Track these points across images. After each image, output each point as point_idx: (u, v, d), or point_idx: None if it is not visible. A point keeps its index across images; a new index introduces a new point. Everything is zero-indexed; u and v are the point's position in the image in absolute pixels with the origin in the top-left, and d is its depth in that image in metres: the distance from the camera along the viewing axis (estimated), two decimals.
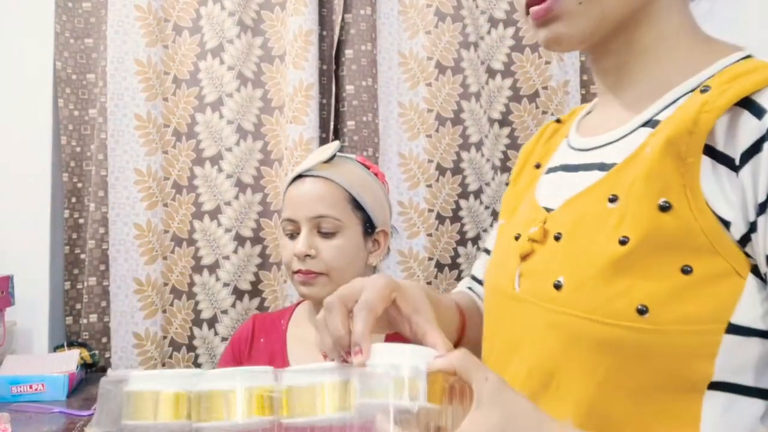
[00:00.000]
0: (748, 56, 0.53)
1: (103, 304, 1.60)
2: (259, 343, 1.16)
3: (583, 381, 0.50)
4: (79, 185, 1.67)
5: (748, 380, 0.47)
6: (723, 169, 0.47)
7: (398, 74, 1.63)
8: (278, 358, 1.12)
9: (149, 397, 0.50)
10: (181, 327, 1.60)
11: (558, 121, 0.73)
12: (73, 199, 1.67)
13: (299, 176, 1.10)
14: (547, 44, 0.56)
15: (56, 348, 1.56)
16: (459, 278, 1.62)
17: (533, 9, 0.54)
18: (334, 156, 1.10)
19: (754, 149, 0.45)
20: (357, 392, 0.46)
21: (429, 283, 1.61)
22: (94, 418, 0.51)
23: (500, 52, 1.67)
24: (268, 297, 1.63)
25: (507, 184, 0.81)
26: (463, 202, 1.63)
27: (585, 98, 1.67)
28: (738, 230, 0.46)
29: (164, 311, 1.60)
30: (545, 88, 1.65)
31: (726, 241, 0.46)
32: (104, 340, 1.61)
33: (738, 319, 0.46)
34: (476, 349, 0.65)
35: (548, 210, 0.59)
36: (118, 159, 1.57)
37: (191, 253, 1.60)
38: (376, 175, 1.16)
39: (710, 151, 0.47)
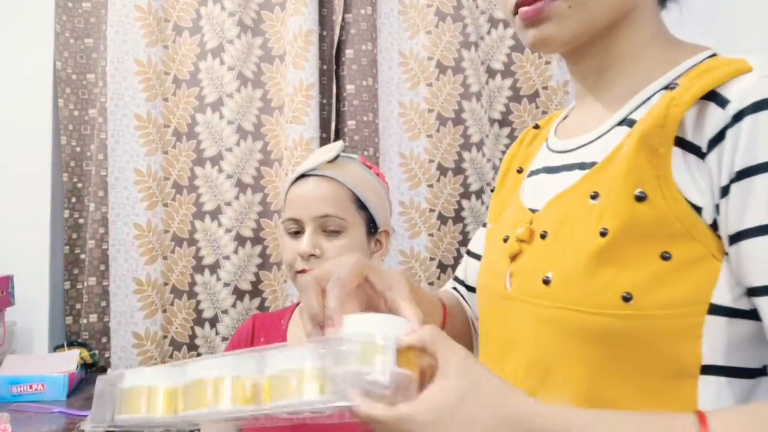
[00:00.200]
0: (714, 55, 0.55)
1: (103, 304, 1.61)
2: (260, 343, 1.16)
3: (578, 371, 0.51)
4: (79, 185, 1.68)
5: (740, 362, 0.48)
6: (692, 158, 0.49)
7: (399, 74, 1.63)
8: None
9: (142, 393, 0.51)
10: (181, 326, 1.60)
11: (536, 126, 0.76)
12: (73, 199, 1.67)
13: (302, 176, 1.09)
14: (534, 44, 0.58)
15: (56, 348, 1.56)
16: None
17: (523, 9, 0.56)
18: (338, 156, 1.09)
19: (720, 137, 0.47)
20: (329, 363, 0.47)
21: (431, 283, 1.60)
22: (90, 414, 0.53)
23: (500, 52, 1.67)
24: (268, 297, 1.62)
25: (492, 191, 0.84)
26: (465, 202, 1.63)
27: None
28: (709, 215, 0.48)
29: (164, 311, 1.60)
30: (545, 88, 1.66)
31: (700, 226, 0.48)
32: (104, 340, 1.62)
33: (718, 299, 0.47)
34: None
35: (533, 211, 0.61)
36: (118, 159, 1.57)
37: (192, 253, 1.60)
38: (377, 175, 1.16)
39: (681, 142, 0.49)
